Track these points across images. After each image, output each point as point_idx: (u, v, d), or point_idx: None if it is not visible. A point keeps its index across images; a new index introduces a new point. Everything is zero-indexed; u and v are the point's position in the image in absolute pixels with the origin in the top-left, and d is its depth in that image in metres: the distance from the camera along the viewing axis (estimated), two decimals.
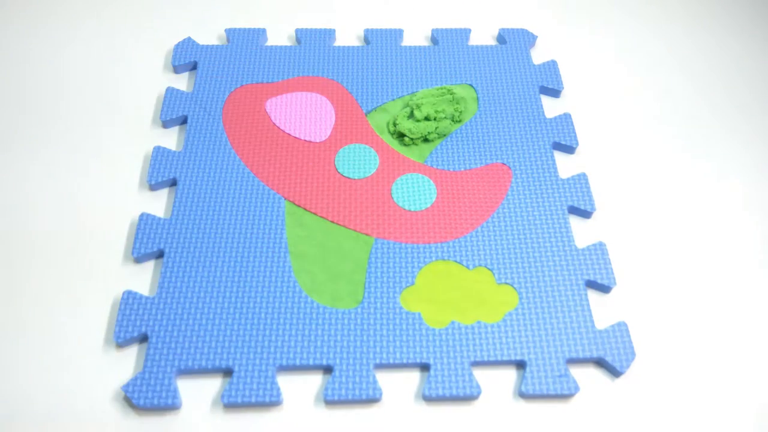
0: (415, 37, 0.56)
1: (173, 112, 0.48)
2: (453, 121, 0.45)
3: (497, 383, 0.38)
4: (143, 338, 0.38)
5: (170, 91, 0.49)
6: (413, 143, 0.45)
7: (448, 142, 0.47)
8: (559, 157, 0.48)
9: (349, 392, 0.36)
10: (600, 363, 0.39)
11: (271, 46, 0.53)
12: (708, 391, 0.38)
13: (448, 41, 0.54)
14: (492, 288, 0.41)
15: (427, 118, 0.43)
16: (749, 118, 0.51)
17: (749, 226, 0.45)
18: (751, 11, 0.59)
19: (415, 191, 0.45)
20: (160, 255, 0.42)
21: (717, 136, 0.50)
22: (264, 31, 0.54)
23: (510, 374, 0.38)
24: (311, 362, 0.37)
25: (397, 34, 0.54)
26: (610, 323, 0.40)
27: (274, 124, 0.48)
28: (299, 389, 0.37)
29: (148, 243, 0.41)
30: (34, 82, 0.51)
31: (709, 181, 0.47)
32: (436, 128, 0.45)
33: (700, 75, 0.54)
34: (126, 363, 0.38)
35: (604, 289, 0.41)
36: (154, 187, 0.45)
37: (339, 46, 0.53)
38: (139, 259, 0.41)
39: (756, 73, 0.54)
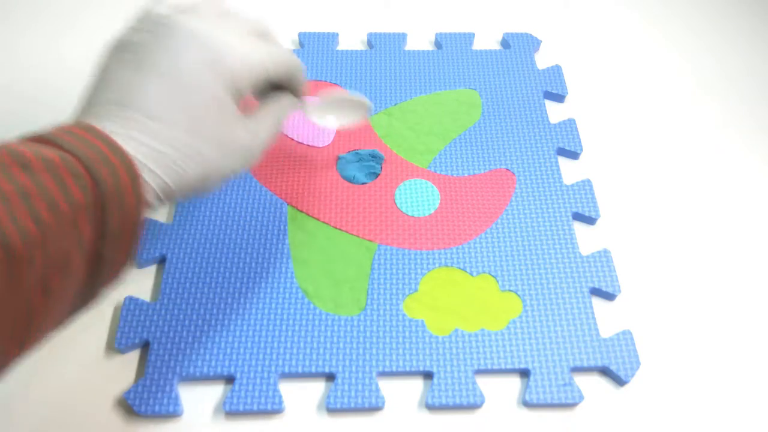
0: (419, 41, 0.55)
1: None
2: None
3: (501, 392, 0.38)
4: (145, 344, 0.38)
5: None
6: None
7: (451, 147, 0.47)
8: (563, 163, 0.48)
9: (352, 400, 0.36)
10: (604, 372, 0.38)
11: None
12: (714, 400, 0.38)
13: (452, 45, 0.54)
14: (496, 295, 0.40)
15: None
16: (760, 125, 0.51)
17: (758, 234, 0.45)
18: (763, 13, 0.59)
19: (418, 197, 0.44)
20: (161, 260, 0.42)
21: (725, 143, 0.50)
22: None
23: (514, 383, 0.38)
24: (313, 370, 0.37)
25: (401, 38, 0.54)
26: (614, 331, 0.40)
27: None
28: (301, 397, 0.37)
29: (149, 248, 0.41)
30: (40, 84, 0.50)
31: (716, 188, 0.47)
32: None
33: (709, 81, 0.54)
34: (127, 370, 0.37)
35: (609, 296, 0.41)
36: None
37: (342, 50, 0.53)
38: (140, 264, 0.41)
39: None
